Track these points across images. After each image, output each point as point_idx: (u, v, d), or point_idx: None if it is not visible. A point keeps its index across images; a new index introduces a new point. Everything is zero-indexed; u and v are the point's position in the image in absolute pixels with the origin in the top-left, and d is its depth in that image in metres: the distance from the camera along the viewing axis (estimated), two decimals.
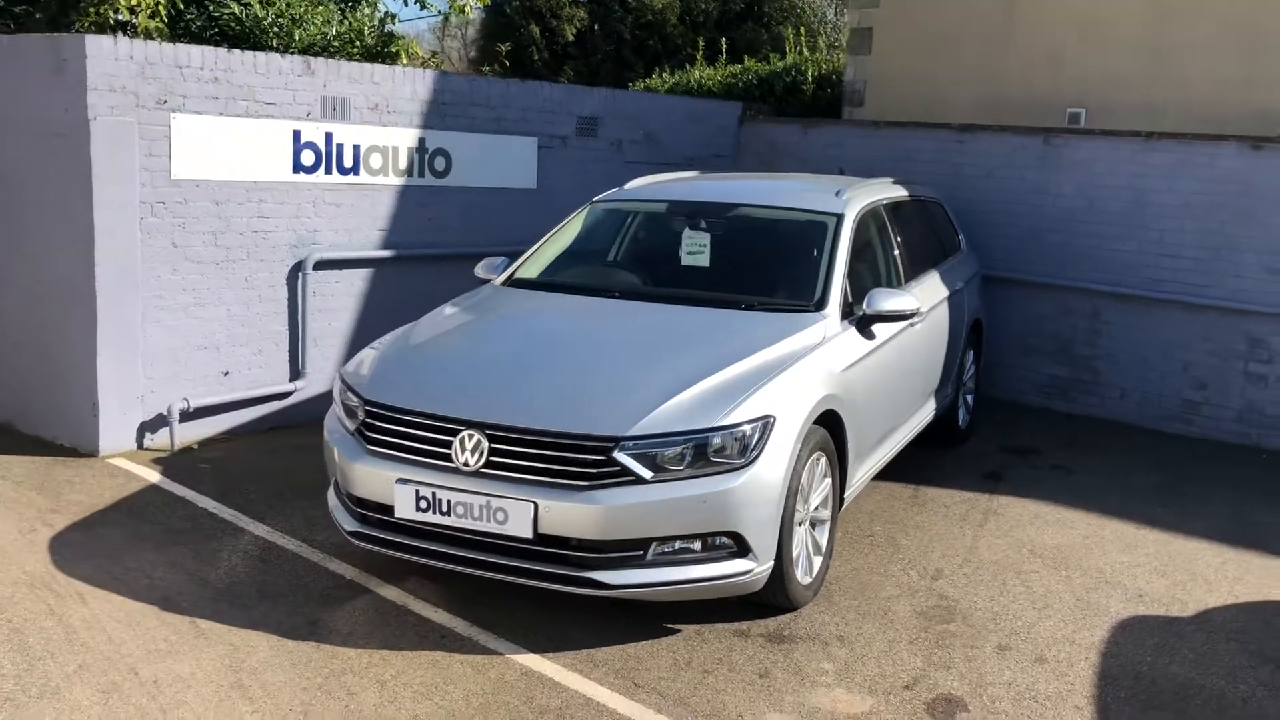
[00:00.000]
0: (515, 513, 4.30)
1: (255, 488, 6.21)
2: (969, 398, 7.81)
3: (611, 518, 4.24)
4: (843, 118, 12.58)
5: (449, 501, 4.40)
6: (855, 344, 5.40)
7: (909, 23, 12.11)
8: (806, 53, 23.62)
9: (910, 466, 6.78)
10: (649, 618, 4.70)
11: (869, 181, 6.78)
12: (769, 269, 5.78)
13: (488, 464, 4.39)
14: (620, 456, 4.28)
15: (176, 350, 6.91)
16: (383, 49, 12.64)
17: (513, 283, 6.02)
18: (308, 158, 7.33)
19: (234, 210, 7.05)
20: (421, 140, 7.93)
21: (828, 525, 5.06)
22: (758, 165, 10.09)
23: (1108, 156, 8.47)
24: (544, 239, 6.34)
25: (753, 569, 4.43)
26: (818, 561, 4.99)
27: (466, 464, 4.41)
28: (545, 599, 4.77)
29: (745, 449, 4.39)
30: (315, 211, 7.46)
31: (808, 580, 4.88)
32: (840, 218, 5.90)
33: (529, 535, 4.30)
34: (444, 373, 4.91)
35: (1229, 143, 7.99)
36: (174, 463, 6.59)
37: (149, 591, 4.80)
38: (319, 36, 12.41)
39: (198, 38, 11.01)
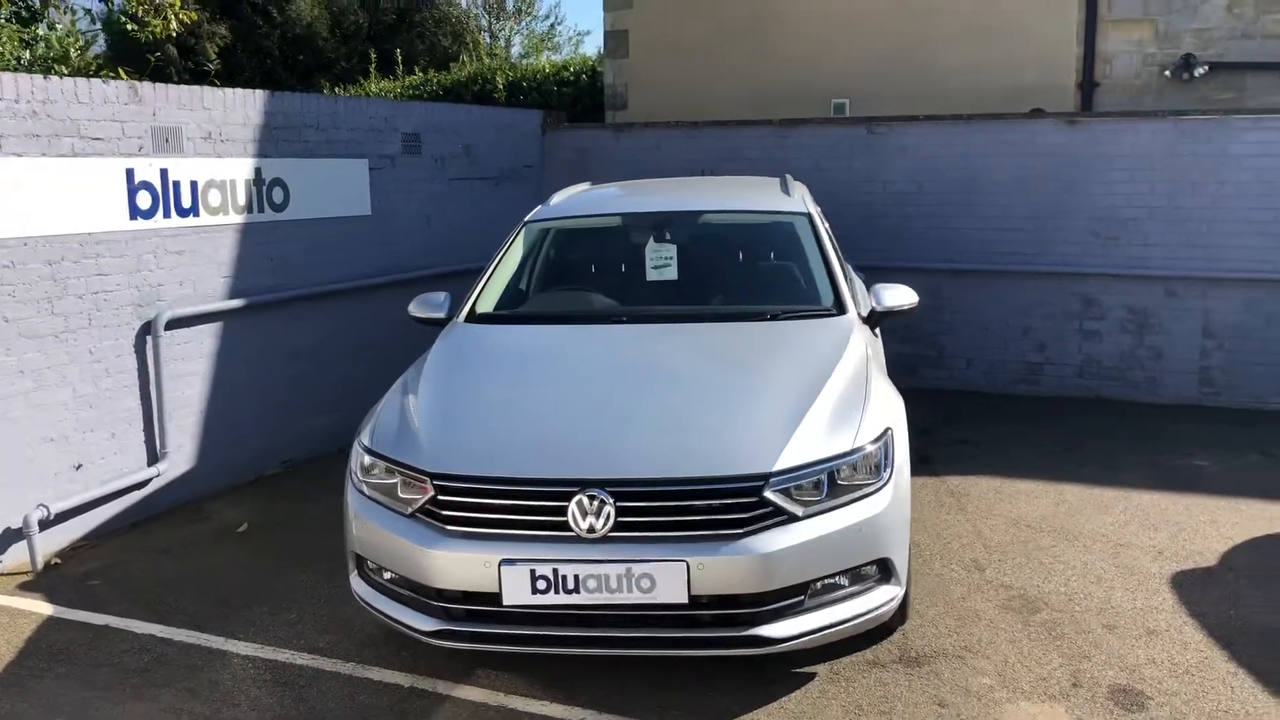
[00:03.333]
0: (664, 576, 3.75)
1: (184, 600, 5.14)
2: None
3: (774, 563, 3.79)
4: (606, 122, 12.40)
5: (576, 577, 3.78)
6: (876, 343, 5.24)
7: (664, 25, 12.10)
8: (487, 60, 23.26)
9: None
10: (770, 668, 4.29)
11: (786, 178, 6.62)
12: (764, 276, 5.49)
13: (616, 525, 3.82)
14: (771, 495, 3.84)
15: (20, 447, 5.62)
16: (96, 72, 11.06)
17: (479, 319, 5.33)
18: (144, 200, 6.18)
19: (69, 270, 5.82)
20: (258, 170, 6.91)
21: None
22: (571, 173, 9.66)
23: (932, 140, 8.82)
24: (490, 268, 5.65)
25: (896, 595, 4.13)
26: None
27: (591, 529, 3.80)
28: (645, 666, 4.25)
29: (877, 467, 4.09)
30: (157, 262, 6.31)
31: None
32: (810, 216, 5.71)
33: (683, 600, 3.77)
34: (522, 429, 4.19)
35: (1046, 120, 8.55)
36: (50, 585, 5.34)
37: None
38: (12, 62, 10.66)
39: None
